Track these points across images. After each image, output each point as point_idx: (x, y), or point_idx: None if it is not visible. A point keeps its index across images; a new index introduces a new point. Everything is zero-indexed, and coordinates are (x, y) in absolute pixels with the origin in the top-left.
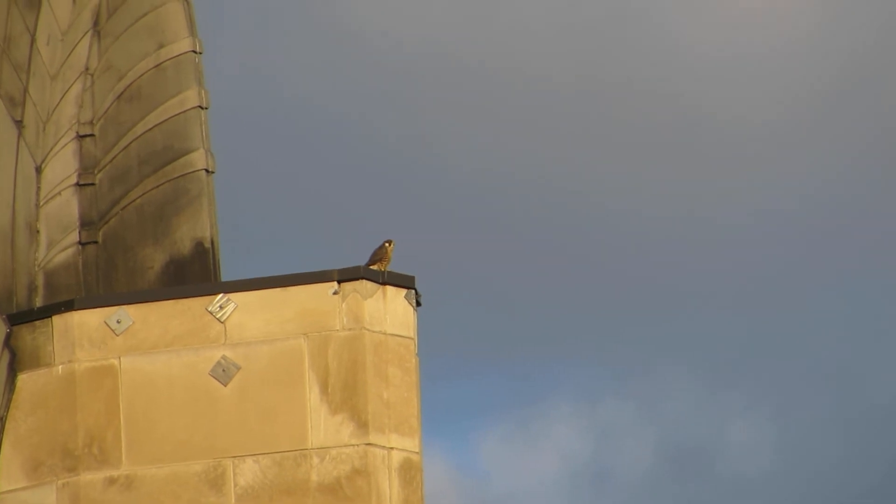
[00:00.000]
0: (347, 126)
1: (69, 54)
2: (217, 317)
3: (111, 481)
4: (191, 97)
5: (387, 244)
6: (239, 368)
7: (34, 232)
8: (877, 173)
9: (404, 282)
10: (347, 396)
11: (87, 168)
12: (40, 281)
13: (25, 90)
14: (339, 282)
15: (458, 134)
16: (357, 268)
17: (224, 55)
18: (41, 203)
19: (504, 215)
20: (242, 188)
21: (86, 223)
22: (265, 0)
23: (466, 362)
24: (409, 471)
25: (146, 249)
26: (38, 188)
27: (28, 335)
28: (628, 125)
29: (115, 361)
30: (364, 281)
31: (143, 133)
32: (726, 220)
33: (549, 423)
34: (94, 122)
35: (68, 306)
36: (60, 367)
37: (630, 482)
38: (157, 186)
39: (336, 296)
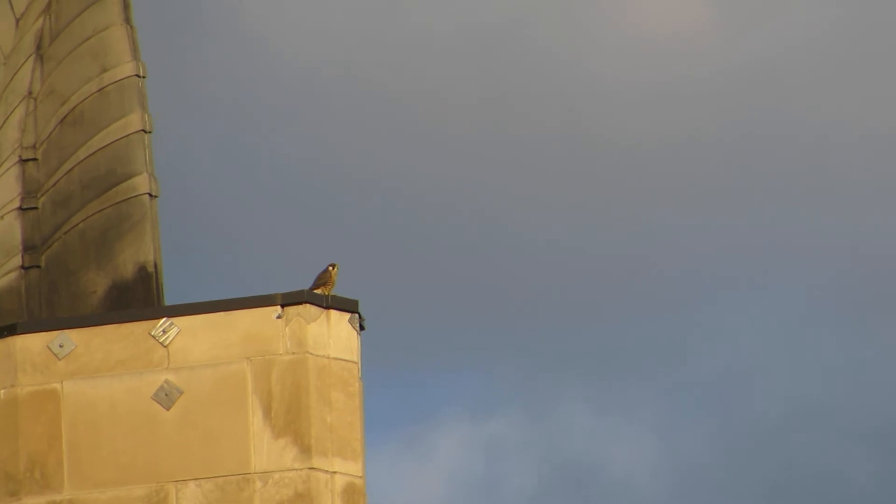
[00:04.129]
0: (262, 148)
1: (12, 78)
2: (160, 341)
3: None
4: (134, 121)
5: (330, 268)
6: (182, 392)
7: None
8: (779, 188)
9: (348, 306)
10: (291, 420)
11: (29, 192)
12: None
13: None
14: (282, 306)
15: (359, 153)
16: (301, 292)
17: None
18: None
19: (396, 229)
20: (186, 212)
21: (28, 247)
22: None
23: None
24: (352, 495)
25: (89, 274)
26: None
27: None
28: (530, 148)
29: (58, 386)
30: (308, 305)
31: (87, 157)
32: (617, 237)
33: (437, 438)
34: (37, 146)
35: (10, 330)
36: (2, 391)
37: (518, 499)
38: (100, 211)
39: (280, 320)
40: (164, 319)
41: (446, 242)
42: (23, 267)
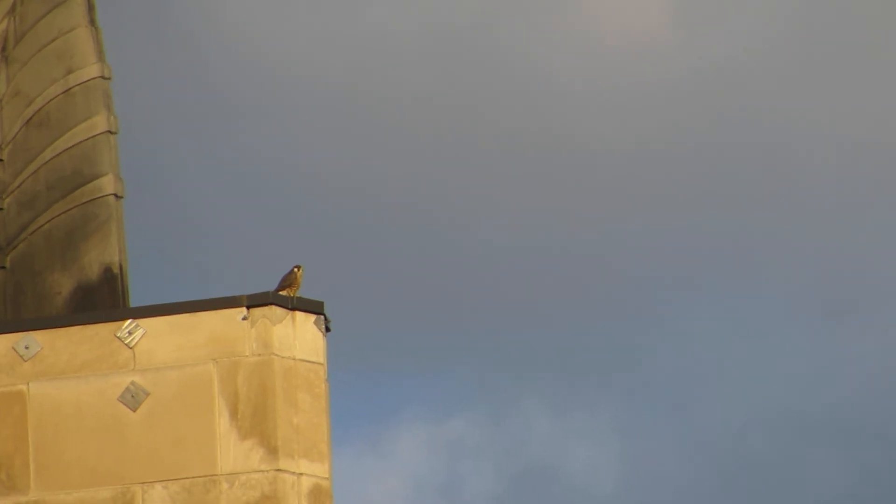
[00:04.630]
0: (227, 149)
1: None
2: (126, 342)
3: None
4: (99, 122)
5: (296, 269)
6: (148, 394)
7: None
8: (743, 192)
9: (313, 307)
10: (257, 422)
11: None
12: None
13: None
14: (248, 307)
15: (324, 155)
16: (266, 293)
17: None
18: None
19: (358, 231)
20: (152, 213)
21: None
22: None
23: None
24: (318, 496)
25: (54, 275)
26: None
27: None
28: (493, 151)
29: (24, 387)
30: (273, 307)
31: (52, 158)
32: (579, 240)
33: (399, 439)
34: (3, 147)
35: None
36: None
37: (479, 499)
38: (66, 212)
39: (245, 321)
40: (130, 321)
41: (409, 245)
42: None
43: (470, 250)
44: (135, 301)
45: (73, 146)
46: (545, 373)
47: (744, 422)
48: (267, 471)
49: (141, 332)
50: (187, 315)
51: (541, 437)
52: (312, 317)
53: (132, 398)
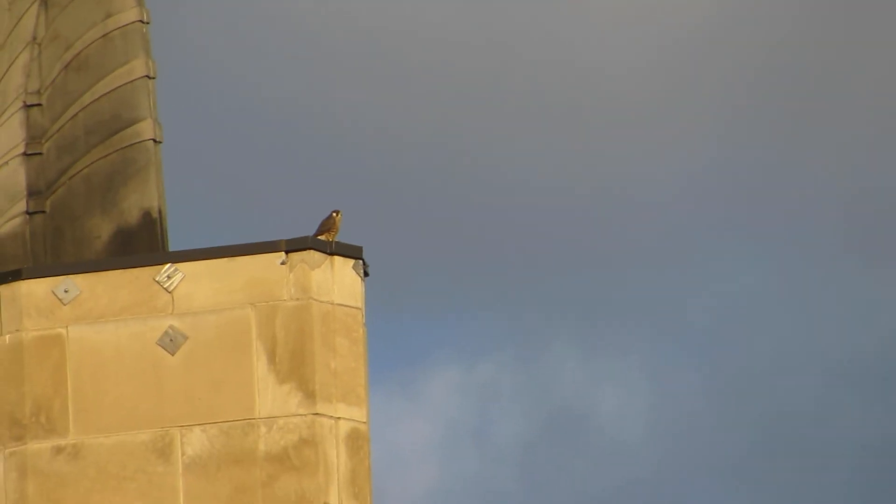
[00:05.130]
0: (264, 93)
1: (16, 24)
2: (165, 286)
3: (58, 450)
4: (138, 67)
5: (335, 214)
6: (186, 338)
7: None
8: (776, 133)
9: (352, 252)
10: (295, 366)
11: (34, 137)
12: None
13: None
14: (286, 252)
15: (345, 92)
16: (305, 238)
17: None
18: None
19: (388, 173)
20: (190, 158)
21: (33, 192)
22: None
23: None
24: (356, 440)
25: (94, 219)
26: None
27: None
28: (524, 89)
29: (63, 331)
30: (312, 251)
31: (91, 103)
32: (610, 181)
33: (428, 382)
34: (42, 91)
35: (15, 276)
36: (8, 336)
37: (509, 441)
38: (105, 156)
39: (284, 266)
40: (169, 265)
41: (438, 187)
42: (28, 212)
43: (500, 191)
44: (173, 246)
45: (111, 91)
46: (576, 316)
47: (775, 367)
48: (305, 415)
49: (180, 277)
50: (226, 259)
51: (571, 381)
52: (351, 261)
53: (171, 342)
